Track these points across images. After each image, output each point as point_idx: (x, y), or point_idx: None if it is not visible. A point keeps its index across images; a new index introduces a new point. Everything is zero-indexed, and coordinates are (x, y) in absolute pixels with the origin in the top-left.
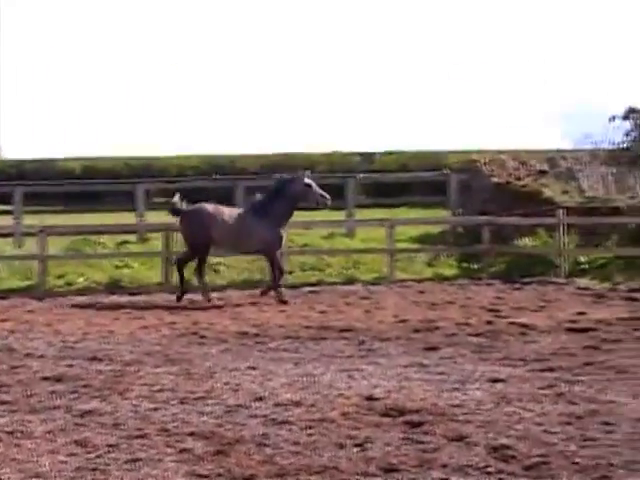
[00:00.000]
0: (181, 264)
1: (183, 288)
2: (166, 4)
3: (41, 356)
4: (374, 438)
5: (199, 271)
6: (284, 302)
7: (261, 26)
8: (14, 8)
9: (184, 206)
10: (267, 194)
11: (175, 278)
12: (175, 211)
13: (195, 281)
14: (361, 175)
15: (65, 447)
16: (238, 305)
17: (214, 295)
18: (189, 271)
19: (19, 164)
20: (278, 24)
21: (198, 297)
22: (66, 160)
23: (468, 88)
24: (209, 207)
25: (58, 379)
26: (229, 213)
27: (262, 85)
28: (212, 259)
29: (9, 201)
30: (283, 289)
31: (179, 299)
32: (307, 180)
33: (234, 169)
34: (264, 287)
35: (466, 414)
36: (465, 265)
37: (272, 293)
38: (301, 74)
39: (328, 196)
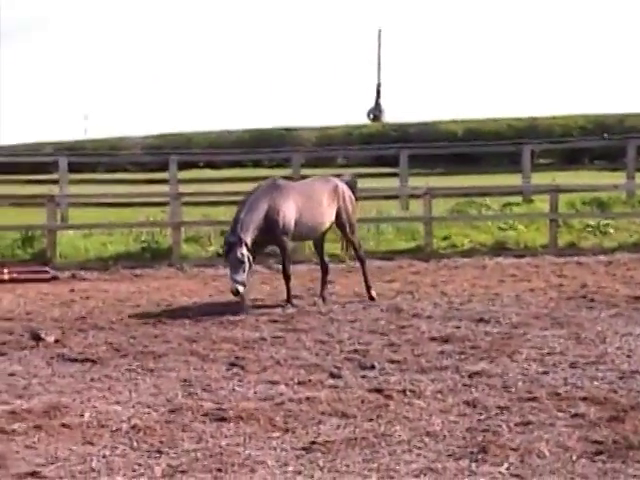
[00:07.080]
0: None
1: None
2: None
3: (428, 317)
4: None
5: None
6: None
7: None
8: None
9: None
10: None
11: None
12: None
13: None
14: None
15: (455, 407)
16: (629, 269)
17: (602, 258)
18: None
19: (402, 127)
20: None
21: (588, 259)
22: (448, 122)
23: None
24: None
25: (445, 340)
26: None
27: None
28: (602, 220)
29: (394, 163)
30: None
31: None
32: None
33: (623, 128)
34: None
35: None
36: None
37: None
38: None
39: None
